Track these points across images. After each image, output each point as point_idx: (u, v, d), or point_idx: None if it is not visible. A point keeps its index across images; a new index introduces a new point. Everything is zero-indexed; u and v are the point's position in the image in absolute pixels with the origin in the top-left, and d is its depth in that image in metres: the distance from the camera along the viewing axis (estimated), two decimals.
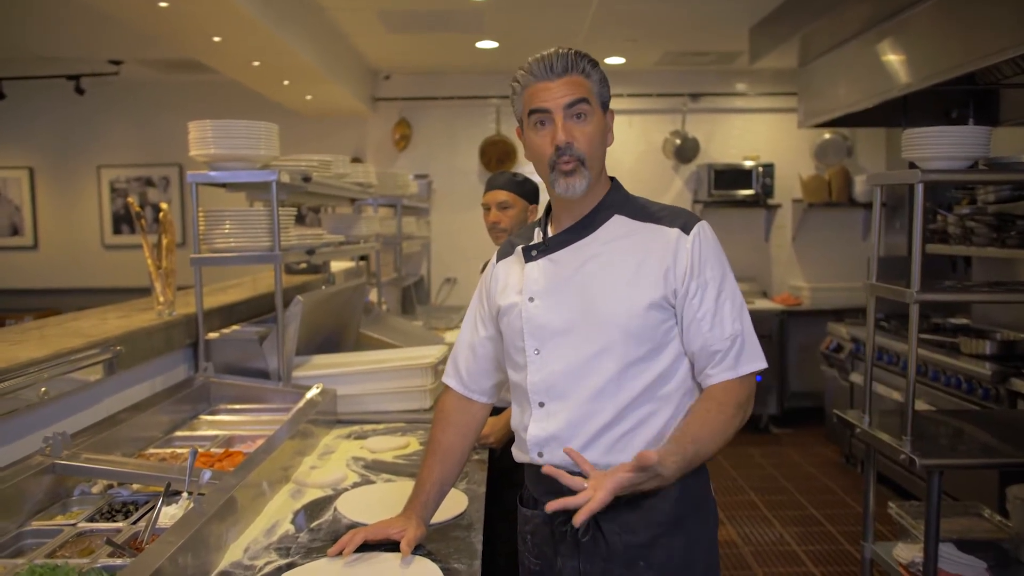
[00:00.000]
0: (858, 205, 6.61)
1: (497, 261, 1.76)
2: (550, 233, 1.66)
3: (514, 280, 1.67)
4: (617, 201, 1.64)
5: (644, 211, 1.63)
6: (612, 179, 1.68)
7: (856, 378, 5.10)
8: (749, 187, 6.61)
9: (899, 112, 4.56)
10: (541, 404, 1.59)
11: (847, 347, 5.28)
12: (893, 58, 4.08)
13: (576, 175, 1.54)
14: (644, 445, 1.54)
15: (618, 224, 1.61)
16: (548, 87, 1.54)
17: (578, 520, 1.32)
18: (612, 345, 1.53)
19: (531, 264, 1.63)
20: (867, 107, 4.43)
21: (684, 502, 1.58)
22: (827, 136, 6.74)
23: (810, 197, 6.63)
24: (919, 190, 2.38)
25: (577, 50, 1.57)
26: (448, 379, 1.83)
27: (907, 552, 2.61)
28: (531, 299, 1.61)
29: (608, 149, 1.64)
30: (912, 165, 2.55)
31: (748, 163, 6.67)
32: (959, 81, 3.67)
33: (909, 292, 2.41)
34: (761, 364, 1.60)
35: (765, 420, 6.35)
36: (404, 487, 1.84)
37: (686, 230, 1.57)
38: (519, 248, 1.68)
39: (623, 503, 1.53)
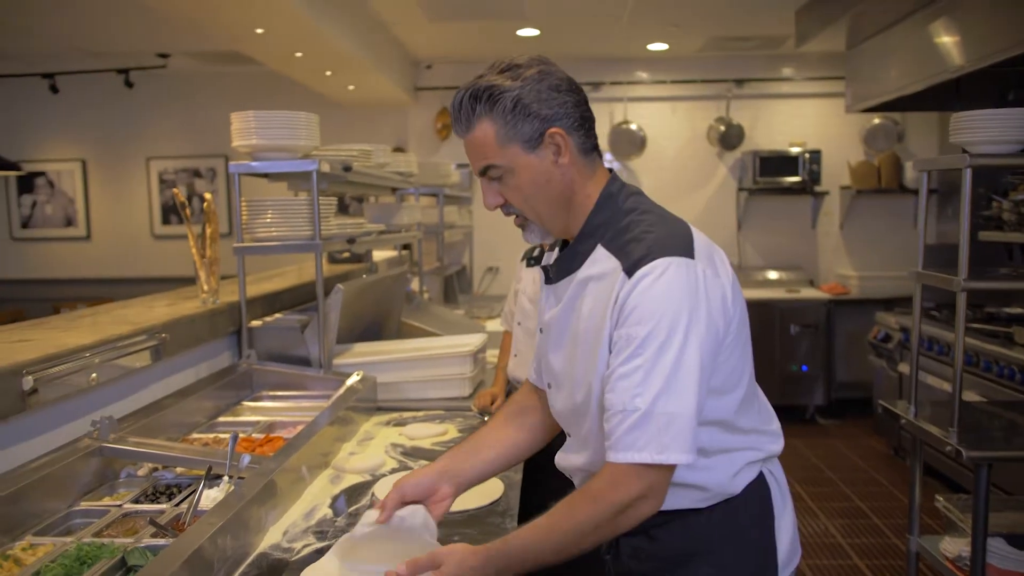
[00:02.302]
0: (909, 191, 6.44)
1: (528, 265, 1.70)
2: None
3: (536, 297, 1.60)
4: (602, 224, 1.40)
5: (620, 238, 1.36)
6: (611, 171, 1.49)
7: (905, 368, 4.98)
8: (795, 174, 6.49)
9: (952, 95, 4.43)
10: (569, 434, 1.53)
11: (896, 337, 5.16)
12: (945, 39, 3.96)
13: (526, 229, 1.46)
14: None
15: (598, 259, 1.38)
16: (465, 144, 1.42)
17: None
18: (589, 402, 1.39)
19: (543, 287, 1.55)
20: (918, 90, 4.32)
21: (694, 541, 1.42)
22: (877, 121, 6.57)
23: (859, 184, 6.48)
24: (967, 175, 2.32)
25: (474, 90, 1.39)
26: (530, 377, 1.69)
27: (954, 546, 2.55)
28: (541, 330, 1.55)
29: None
30: (963, 150, 2.48)
31: (794, 149, 6.55)
32: (1015, 62, 3.55)
33: (956, 280, 2.35)
34: (671, 457, 1.24)
35: (811, 410, 6.27)
36: None
37: (632, 271, 1.30)
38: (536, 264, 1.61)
39: (644, 527, 1.36)
